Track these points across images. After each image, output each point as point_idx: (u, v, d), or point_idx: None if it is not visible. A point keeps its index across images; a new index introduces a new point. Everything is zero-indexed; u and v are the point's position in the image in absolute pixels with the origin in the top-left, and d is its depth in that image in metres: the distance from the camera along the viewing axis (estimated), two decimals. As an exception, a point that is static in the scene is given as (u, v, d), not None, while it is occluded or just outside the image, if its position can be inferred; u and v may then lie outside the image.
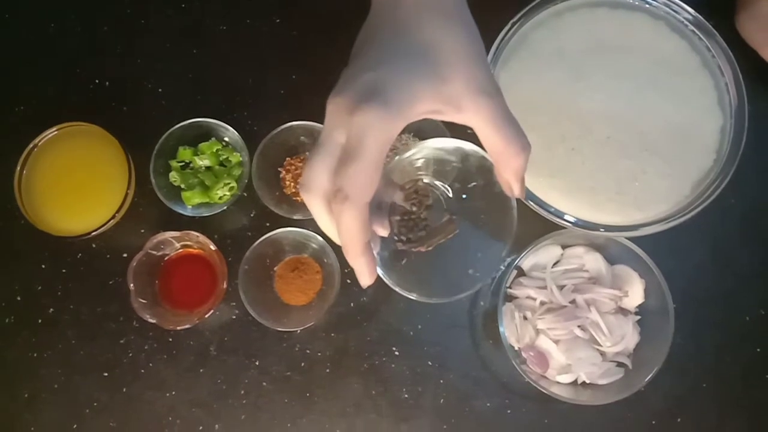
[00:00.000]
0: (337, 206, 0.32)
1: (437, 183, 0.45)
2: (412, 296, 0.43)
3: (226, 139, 0.68)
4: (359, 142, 0.31)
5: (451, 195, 0.45)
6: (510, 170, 0.36)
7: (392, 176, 0.43)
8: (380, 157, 0.31)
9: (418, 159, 0.44)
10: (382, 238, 0.41)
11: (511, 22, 0.61)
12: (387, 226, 0.37)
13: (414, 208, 0.44)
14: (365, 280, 0.35)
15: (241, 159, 0.67)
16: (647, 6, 0.62)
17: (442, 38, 0.34)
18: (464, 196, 0.45)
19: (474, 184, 0.44)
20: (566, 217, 0.58)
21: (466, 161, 0.43)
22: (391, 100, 0.31)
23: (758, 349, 0.67)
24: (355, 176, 0.31)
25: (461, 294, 0.44)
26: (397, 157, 0.42)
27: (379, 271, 0.40)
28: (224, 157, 0.68)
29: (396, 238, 0.44)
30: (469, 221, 0.44)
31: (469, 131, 0.38)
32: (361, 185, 0.31)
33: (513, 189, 0.37)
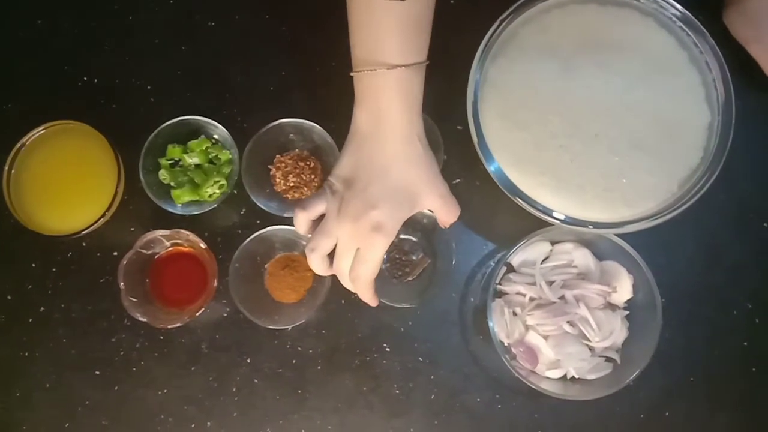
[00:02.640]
0: (355, 284, 0.53)
1: (407, 236, 0.69)
2: (401, 305, 0.65)
3: (216, 136, 0.67)
4: (370, 256, 0.51)
5: (416, 240, 0.69)
6: (447, 224, 0.56)
7: None
8: (381, 262, 0.52)
9: None
10: (383, 276, 0.68)
11: (500, 18, 0.61)
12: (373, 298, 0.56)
13: (398, 255, 0.68)
14: (374, 303, 0.56)
15: (230, 156, 0.67)
16: (636, 2, 0.62)
17: (412, 177, 0.52)
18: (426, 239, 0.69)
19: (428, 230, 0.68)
20: (555, 214, 0.58)
21: (424, 217, 0.65)
22: (389, 230, 0.51)
23: (745, 343, 0.67)
24: (367, 272, 0.52)
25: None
26: None
27: (383, 300, 0.62)
28: (214, 154, 0.68)
29: (391, 275, 0.68)
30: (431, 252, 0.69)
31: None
32: (371, 276, 0.53)
33: (446, 225, 0.57)
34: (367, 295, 0.55)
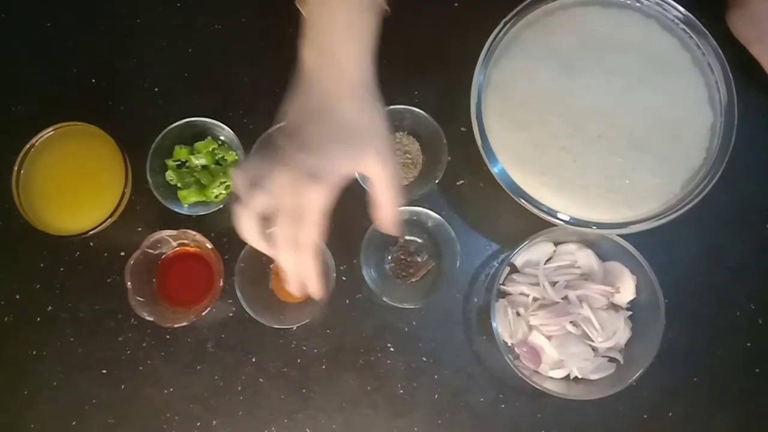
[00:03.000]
0: (295, 251, 0.46)
1: (413, 237, 0.69)
2: (404, 306, 0.65)
3: (222, 138, 0.68)
4: (308, 210, 0.44)
5: (421, 242, 0.69)
6: (385, 212, 0.49)
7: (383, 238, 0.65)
8: (322, 218, 0.45)
9: (402, 219, 0.64)
10: (387, 276, 0.68)
11: (504, 21, 0.62)
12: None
13: (402, 256, 0.69)
14: (321, 294, 0.49)
15: (236, 158, 0.68)
16: (638, 4, 0.62)
17: (359, 123, 0.46)
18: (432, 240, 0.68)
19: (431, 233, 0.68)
20: (559, 215, 0.59)
21: (429, 219, 0.66)
22: (329, 183, 0.44)
23: (748, 344, 0.67)
24: (308, 235, 0.45)
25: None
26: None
27: (385, 299, 0.64)
28: (220, 155, 0.68)
29: (395, 276, 0.69)
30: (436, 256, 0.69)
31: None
32: (312, 237, 0.45)
33: (384, 222, 0.50)
34: (309, 268, 0.46)
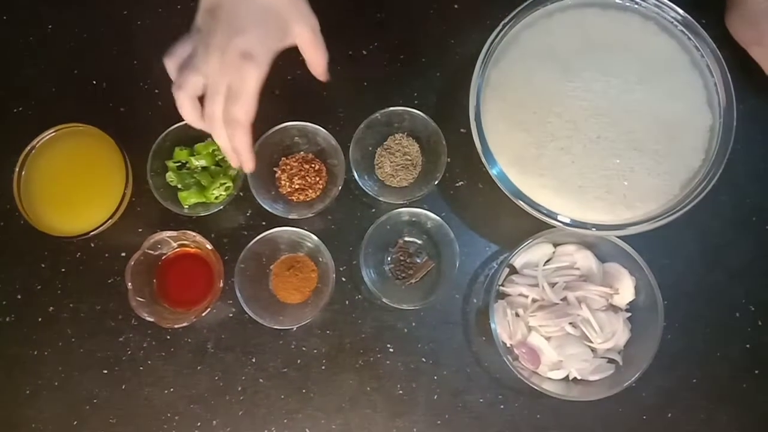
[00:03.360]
0: (231, 128, 0.48)
1: (412, 239, 0.69)
2: (404, 306, 0.65)
3: (222, 139, 0.68)
4: (243, 87, 0.47)
5: (421, 243, 0.69)
6: (318, 68, 0.53)
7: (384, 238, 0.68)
8: (257, 94, 0.47)
9: (401, 221, 0.67)
10: (387, 277, 0.69)
11: (503, 23, 0.62)
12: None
13: (402, 258, 0.69)
14: (250, 164, 0.52)
15: (236, 159, 0.68)
16: (637, 6, 0.62)
17: (280, 4, 0.49)
18: (431, 242, 0.69)
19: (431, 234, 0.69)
20: (558, 217, 0.59)
21: (428, 221, 0.66)
22: (260, 59, 0.47)
23: (747, 345, 0.67)
24: (244, 107, 0.47)
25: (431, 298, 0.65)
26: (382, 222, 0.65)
27: (385, 300, 0.64)
28: (220, 157, 0.68)
29: (394, 277, 0.69)
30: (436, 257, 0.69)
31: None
32: (249, 112, 0.48)
33: (319, 73, 0.54)
34: (244, 144, 0.49)
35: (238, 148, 0.50)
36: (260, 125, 0.66)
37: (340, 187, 0.65)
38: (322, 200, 0.68)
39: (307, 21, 0.50)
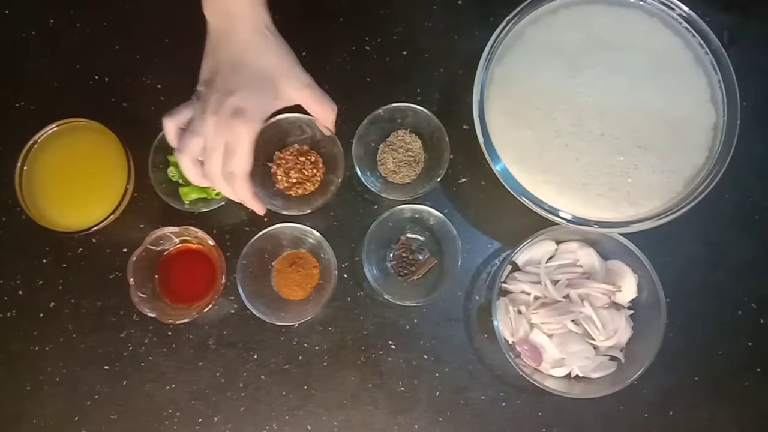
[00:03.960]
0: (230, 182, 0.52)
1: (414, 235, 0.69)
2: (406, 303, 0.65)
3: (224, 135, 0.68)
4: (236, 144, 0.51)
5: (423, 239, 0.69)
6: (327, 123, 0.58)
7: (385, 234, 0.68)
8: (251, 149, 0.51)
9: (403, 217, 0.67)
10: (389, 274, 0.69)
11: (507, 19, 0.61)
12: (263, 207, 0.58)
13: (404, 254, 0.69)
14: (260, 211, 0.58)
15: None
16: (642, 3, 0.62)
17: (267, 64, 0.53)
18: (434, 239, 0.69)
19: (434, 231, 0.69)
20: (561, 214, 0.59)
21: (431, 217, 0.66)
22: (252, 117, 0.51)
23: (749, 343, 0.68)
24: (240, 163, 0.52)
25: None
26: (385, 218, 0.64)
27: (387, 296, 0.64)
28: (222, 153, 0.68)
29: (396, 273, 0.69)
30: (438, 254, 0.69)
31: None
32: (244, 167, 0.52)
33: (330, 130, 0.60)
34: (246, 194, 0.54)
35: (241, 199, 0.54)
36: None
37: (340, 179, 0.65)
38: (323, 194, 0.67)
39: (297, 81, 0.54)
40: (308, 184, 0.68)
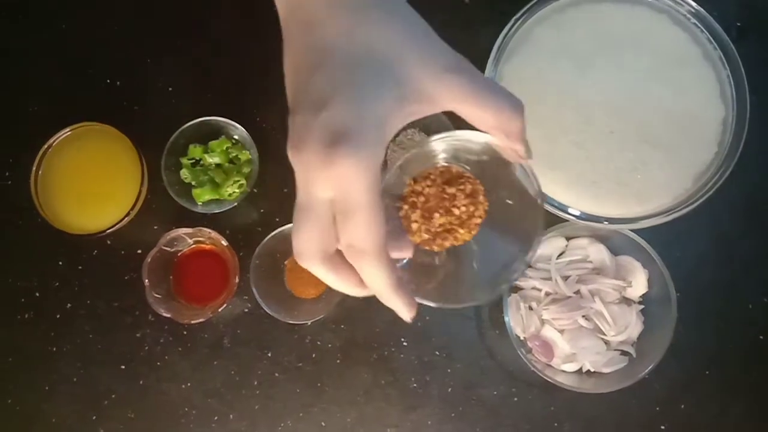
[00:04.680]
0: (356, 263, 0.30)
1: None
2: (431, 304, 0.40)
3: (236, 137, 0.69)
4: (349, 195, 0.28)
5: None
6: (511, 138, 0.33)
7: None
8: (376, 199, 0.29)
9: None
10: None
11: (515, 17, 0.62)
12: (408, 246, 0.34)
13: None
14: (406, 315, 0.34)
15: (250, 156, 0.68)
16: (650, 0, 0.62)
17: (377, 39, 0.29)
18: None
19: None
20: (570, 210, 0.59)
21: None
22: (360, 138, 0.28)
23: (761, 337, 0.68)
24: (360, 229, 0.29)
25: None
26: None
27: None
28: (234, 154, 0.69)
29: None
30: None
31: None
32: (371, 235, 0.29)
33: (519, 154, 0.34)
34: (381, 281, 0.31)
35: (375, 290, 0.32)
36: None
37: None
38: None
39: (434, 61, 0.31)
40: (461, 231, 0.40)
